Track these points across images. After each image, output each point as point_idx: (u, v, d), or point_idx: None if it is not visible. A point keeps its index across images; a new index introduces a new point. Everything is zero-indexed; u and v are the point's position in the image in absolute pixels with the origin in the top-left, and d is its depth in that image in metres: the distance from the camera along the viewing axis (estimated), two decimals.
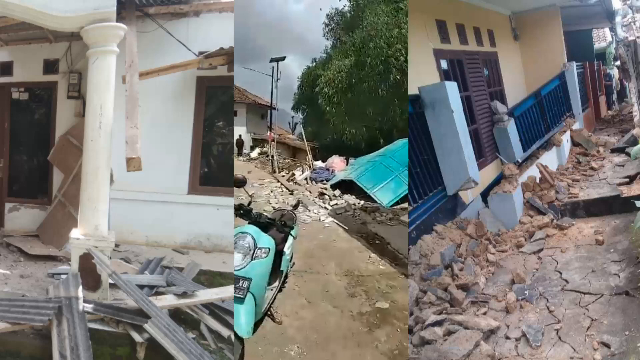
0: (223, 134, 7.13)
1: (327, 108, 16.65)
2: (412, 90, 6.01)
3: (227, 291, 4.67)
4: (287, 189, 13.01)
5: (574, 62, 10.40)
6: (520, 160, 7.58)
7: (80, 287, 4.22)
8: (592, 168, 8.33)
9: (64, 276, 4.63)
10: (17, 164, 7.27)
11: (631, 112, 11.77)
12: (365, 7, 17.28)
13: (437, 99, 5.82)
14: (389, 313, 5.40)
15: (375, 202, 11.17)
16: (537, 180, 7.32)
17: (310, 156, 16.56)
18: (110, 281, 4.49)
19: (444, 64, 7.27)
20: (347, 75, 15.87)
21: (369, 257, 7.42)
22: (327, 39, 20.43)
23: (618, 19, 10.11)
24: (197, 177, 6.71)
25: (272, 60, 18.59)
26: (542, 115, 8.97)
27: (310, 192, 12.48)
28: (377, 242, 8.43)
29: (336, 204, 11.25)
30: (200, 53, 6.15)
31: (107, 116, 4.62)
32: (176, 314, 4.47)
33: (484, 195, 6.60)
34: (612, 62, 16.45)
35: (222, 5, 6.49)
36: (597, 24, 14.54)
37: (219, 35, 6.16)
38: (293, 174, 14.74)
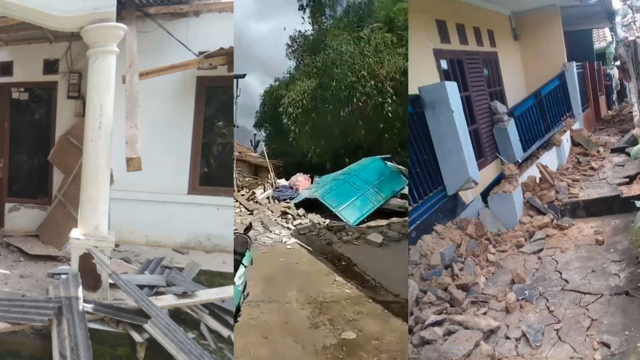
0: (223, 134, 7.13)
1: (292, 127, 16.48)
2: (412, 90, 6.01)
3: (227, 291, 4.68)
4: (246, 208, 12.35)
5: (574, 62, 10.39)
6: (520, 160, 7.58)
7: (80, 287, 4.22)
8: (592, 168, 8.33)
9: (64, 276, 4.64)
10: (17, 164, 7.27)
11: (631, 112, 11.78)
12: (328, 32, 17.20)
13: (437, 99, 5.82)
14: (356, 344, 4.95)
15: (341, 220, 10.83)
16: (537, 180, 7.31)
17: (272, 174, 15.99)
18: (110, 281, 4.50)
19: (444, 64, 7.27)
20: (311, 97, 15.78)
21: (335, 280, 6.96)
22: (290, 59, 20.07)
23: (618, 19, 10.11)
24: (197, 177, 6.71)
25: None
26: (542, 115, 8.97)
27: (272, 212, 11.90)
28: (343, 263, 7.96)
29: (300, 224, 10.80)
30: (200, 53, 6.15)
31: (107, 116, 4.62)
32: (176, 314, 4.47)
33: (484, 195, 6.60)
34: (612, 62, 16.45)
35: (222, 5, 6.49)
36: (597, 24, 14.54)
37: (219, 35, 6.16)
38: (253, 193, 14.11)
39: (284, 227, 10.52)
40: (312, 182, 14.65)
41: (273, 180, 15.60)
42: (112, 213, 5.01)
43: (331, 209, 11.32)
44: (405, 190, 12.00)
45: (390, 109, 13.69)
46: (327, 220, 11.05)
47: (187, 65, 6.11)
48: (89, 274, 4.47)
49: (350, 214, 11.08)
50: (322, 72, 15.38)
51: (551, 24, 10.34)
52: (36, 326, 3.81)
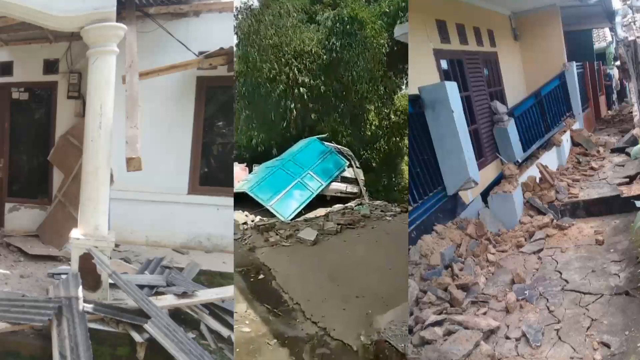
0: (223, 134, 7.14)
1: None
2: (412, 90, 6.01)
3: (227, 291, 4.69)
4: None
5: (574, 62, 10.38)
6: (520, 160, 7.58)
7: (80, 287, 4.22)
8: (592, 168, 8.33)
9: (64, 276, 4.63)
10: (17, 164, 7.27)
11: (631, 112, 11.76)
12: (269, 6, 14.57)
13: (437, 99, 5.81)
14: None
15: (275, 216, 9.30)
16: (537, 180, 7.31)
17: None
18: (110, 281, 4.50)
19: (444, 64, 7.26)
20: (242, 80, 14.04)
21: (235, 312, 5.08)
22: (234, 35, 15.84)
23: (618, 19, 10.09)
24: (197, 177, 6.72)
25: None
26: (542, 115, 8.96)
27: None
28: (260, 277, 6.40)
29: None
30: (200, 53, 6.15)
31: (107, 116, 4.62)
32: (176, 314, 4.47)
33: (484, 195, 6.60)
34: (612, 62, 16.43)
35: (222, 5, 6.50)
36: (597, 24, 14.52)
37: (219, 35, 6.17)
38: None
39: None
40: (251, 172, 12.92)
41: None
42: (112, 213, 5.01)
43: (262, 203, 9.68)
44: (346, 173, 11.14)
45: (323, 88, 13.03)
46: (257, 218, 9.32)
47: (187, 65, 6.12)
48: (89, 274, 4.46)
49: (284, 207, 9.60)
50: (245, 54, 13.86)
51: (551, 24, 10.33)
52: (36, 326, 3.81)
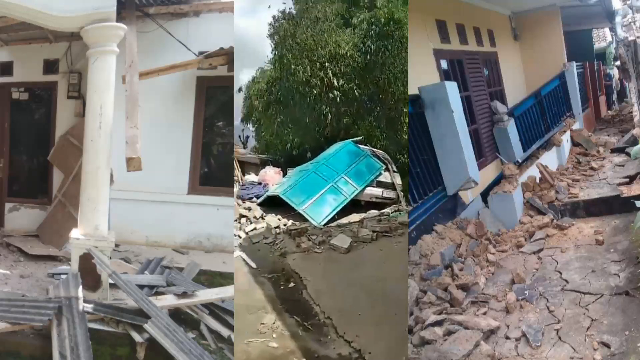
0: (223, 134, 7.14)
1: (262, 121, 15.08)
2: (412, 90, 6.01)
3: (227, 291, 4.68)
4: None
5: (574, 62, 10.39)
6: (520, 160, 7.58)
7: (80, 287, 4.22)
8: (592, 168, 8.33)
9: (64, 276, 4.63)
10: (17, 164, 7.28)
11: (631, 112, 11.77)
12: (306, 10, 14.62)
13: (437, 99, 5.81)
14: None
15: (308, 221, 9.11)
16: (537, 180, 7.32)
17: (238, 170, 13.81)
18: (110, 281, 4.50)
19: (444, 64, 7.26)
20: (277, 86, 14.25)
21: (262, 322, 5.07)
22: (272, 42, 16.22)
23: (618, 19, 10.09)
24: (197, 177, 6.72)
25: None
26: (542, 115, 8.97)
27: None
28: (290, 285, 6.14)
29: (254, 229, 8.75)
30: (200, 53, 6.15)
31: (107, 116, 4.62)
32: (176, 314, 4.47)
33: (484, 195, 6.60)
34: (612, 62, 16.44)
35: (222, 5, 6.50)
36: (597, 24, 14.55)
37: (219, 35, 6.17)
38: None
39: (235, 235, 8.38)
40: (284, 176, 12.67)
41: (239, 177, 13.44)
42: (112, 213, 5.01)
43: (295, 207, 9.53)
44: (382, 177, 11.08)
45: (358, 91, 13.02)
46: (290, 222, 9.23)
47: (187, 65, 6.12)
48: (89, 274, 4.46)
49: (316, 211, 9.38)
50: (281, 57, 14.01)
51: (551, 24, 10.34)
52: (36, 326, 3.81)
